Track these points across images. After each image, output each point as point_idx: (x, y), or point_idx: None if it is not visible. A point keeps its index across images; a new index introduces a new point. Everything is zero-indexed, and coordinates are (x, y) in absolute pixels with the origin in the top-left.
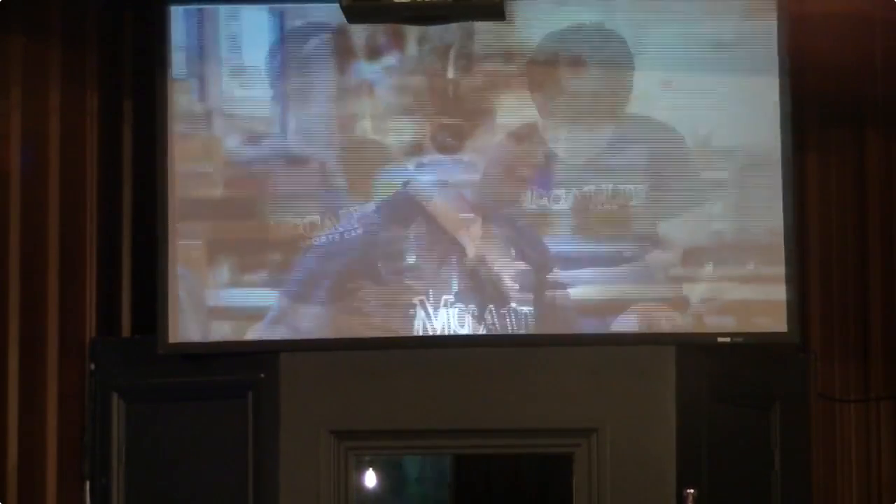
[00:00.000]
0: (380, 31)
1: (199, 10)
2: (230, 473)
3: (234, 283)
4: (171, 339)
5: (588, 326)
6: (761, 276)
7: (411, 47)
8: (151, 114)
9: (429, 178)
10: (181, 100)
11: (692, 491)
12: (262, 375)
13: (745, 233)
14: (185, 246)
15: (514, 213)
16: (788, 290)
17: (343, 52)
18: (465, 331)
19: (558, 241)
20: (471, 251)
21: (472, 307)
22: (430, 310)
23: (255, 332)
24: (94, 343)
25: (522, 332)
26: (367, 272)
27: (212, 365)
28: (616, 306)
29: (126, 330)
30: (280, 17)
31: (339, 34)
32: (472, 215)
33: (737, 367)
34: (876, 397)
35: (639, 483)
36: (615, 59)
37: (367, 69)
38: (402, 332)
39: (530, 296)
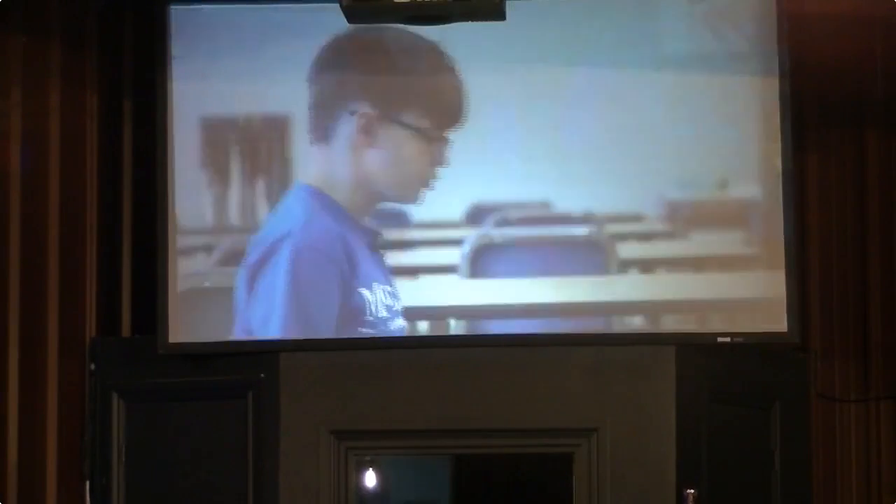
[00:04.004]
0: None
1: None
2: (230, 473)
3: None
4: (171, 339)
5: (590, 326)
6: (761, 276)
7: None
8: (151, 114)
9: None
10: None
11: (692, 491)
12: (262, 375)
13: (745, 232)
14: None
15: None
16: (788, 290)
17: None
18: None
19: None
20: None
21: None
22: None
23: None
24: (94, 343)
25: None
26: None
27: (212, 365)
28: (616, 307)
29: (126, 330)
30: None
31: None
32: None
33: (737, 367)
34: (876, 397)
35: (639, 483)
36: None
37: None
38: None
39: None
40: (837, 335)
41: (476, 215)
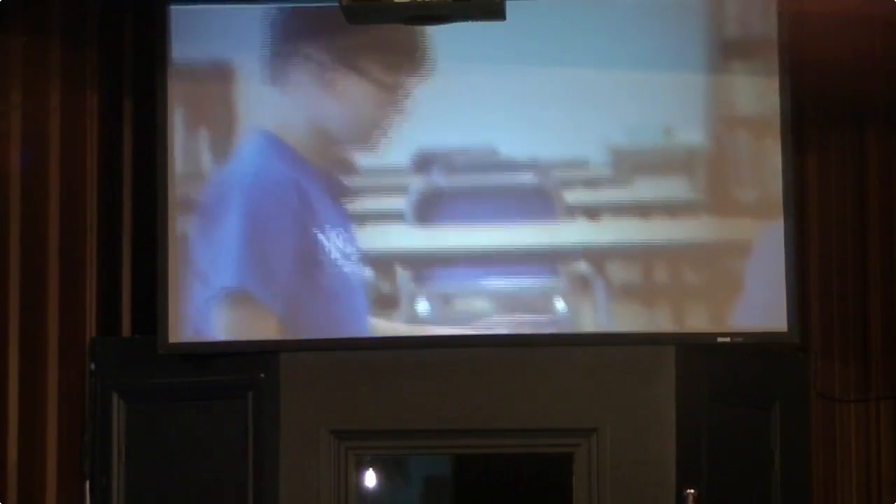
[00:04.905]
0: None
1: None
2: (230, 473)
3: None
4: (171, 339)
5: (536, 272)
6: (705, 221)
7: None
8: (151, 114)
9: None
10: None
11: (692, 491)
12: (262, 375)
13: (689, 178)
14: None
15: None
16: (788, 290)
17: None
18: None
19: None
20: None
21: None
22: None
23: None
24: (94, 343)
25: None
26: None
27: (212, 365)
28: (562, 252)
29: (126, 330)
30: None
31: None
32: None
33: (737, 367)
34: (876, 397)
35: (639, 483)
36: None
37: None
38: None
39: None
40: (837, 335)
41: (422, 162)
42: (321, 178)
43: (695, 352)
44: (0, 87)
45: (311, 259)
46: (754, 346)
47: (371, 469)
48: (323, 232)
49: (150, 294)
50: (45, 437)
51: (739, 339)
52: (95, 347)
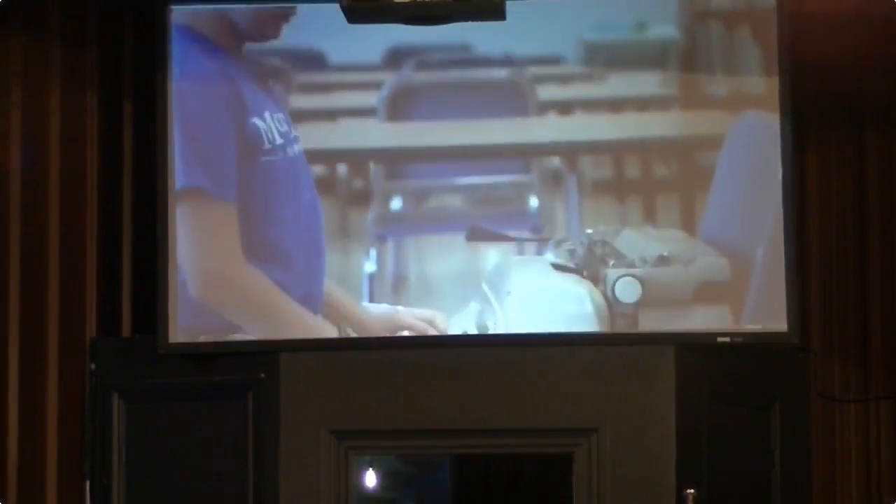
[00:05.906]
0: None
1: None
2: (230, 473)
3: None
4: (171, 339)
5: (509, 168)
6: (677, 116)
7: None
8: (151, 114)
9: None
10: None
11: (692, 491)
12: (262, 375)
13: (662, 73)
14: None
15: None
16: (788, 290)
17: None
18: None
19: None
20: None
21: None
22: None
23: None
24: (94, 343)
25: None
26: None
27: (212, 365)
28: (535, 148)
29: (126, 330)
30: None
31: None
32: None
33: (737, 367)
34: (876, 397)
35: (639, 483)
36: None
37: None
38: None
39: None
40: (837, 335)
41: (395, 58)
42: (246, 65)
43: (695, 352)
44: (0, 87)
45: (253, 146)
46: (754, 346)
47: (371, 469)
48: (260, 117)
49: (150, 294)
50: (45, 437)
51: (739, 339)
52: (95, 347)
